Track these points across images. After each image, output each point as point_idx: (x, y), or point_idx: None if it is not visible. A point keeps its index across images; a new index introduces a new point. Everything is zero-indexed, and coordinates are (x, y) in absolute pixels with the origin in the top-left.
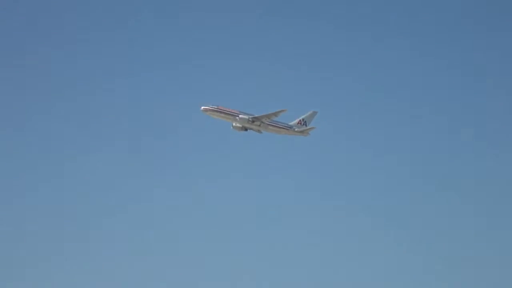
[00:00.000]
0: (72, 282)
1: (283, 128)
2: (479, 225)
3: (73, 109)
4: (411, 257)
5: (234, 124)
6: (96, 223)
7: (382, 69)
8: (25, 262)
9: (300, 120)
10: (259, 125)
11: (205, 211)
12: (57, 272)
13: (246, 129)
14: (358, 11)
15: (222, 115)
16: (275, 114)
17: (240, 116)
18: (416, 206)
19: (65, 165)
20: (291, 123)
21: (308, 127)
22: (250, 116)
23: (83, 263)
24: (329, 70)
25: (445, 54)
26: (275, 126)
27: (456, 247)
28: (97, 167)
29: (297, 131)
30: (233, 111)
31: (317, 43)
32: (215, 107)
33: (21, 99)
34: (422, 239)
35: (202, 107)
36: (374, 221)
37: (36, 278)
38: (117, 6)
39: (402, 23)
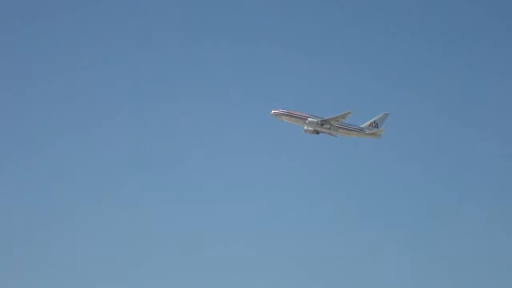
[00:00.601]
0: (71, 282)
1: (354, 130)
2: None
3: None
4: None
5: (305, 127)
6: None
7: (452, 70)
8: (24, 262)
9: (371, 122)
10: (329, 128)
11: (283, 214)
12: (56, 272)
13: (318, 133)
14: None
15: (293, 119)
16: (343, 116)
17: (309, 119)
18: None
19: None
20: (362, 126)
21: (378, 129)
22: (319, 119)
23: (82, 263)
24: (399, 71)
25: None
26: (345, 128)
27: None
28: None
29: (368, 133)
30: (302, 114)
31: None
32: (285, 111)
33: (21, 99)
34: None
35: (273, 111)
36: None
37: (35, 278)
38: None
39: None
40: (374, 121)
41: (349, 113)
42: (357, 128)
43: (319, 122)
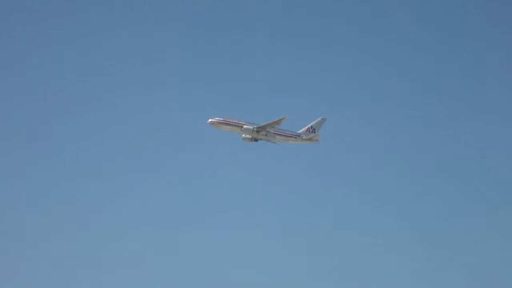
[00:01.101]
0: (68, 282)
1: (291, 136)
2: None
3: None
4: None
5: (243, 135)
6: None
7: (388, 72)
8: (23, 262)
9: (308, 127)
10: (266, 135)
11: (228, 225)
12: (54, 272)
13: (256, 140)
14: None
15: (229, 127)
16: (277, 122)
17: (245, 126)
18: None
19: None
20: (300, 131)
21: (315, 134)
22: (255, 126)
23: (80, 263)
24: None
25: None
26: (282, 134)
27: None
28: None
29: (305, 139)
30: (239, 122)
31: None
32: (221, 119)
33: (21, 98)
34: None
35: (209, 120)
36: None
37: (33, 278)
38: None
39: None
40: (311, 126)
41: (283, 118)
42: (294, 134)
43: (254, 129)
